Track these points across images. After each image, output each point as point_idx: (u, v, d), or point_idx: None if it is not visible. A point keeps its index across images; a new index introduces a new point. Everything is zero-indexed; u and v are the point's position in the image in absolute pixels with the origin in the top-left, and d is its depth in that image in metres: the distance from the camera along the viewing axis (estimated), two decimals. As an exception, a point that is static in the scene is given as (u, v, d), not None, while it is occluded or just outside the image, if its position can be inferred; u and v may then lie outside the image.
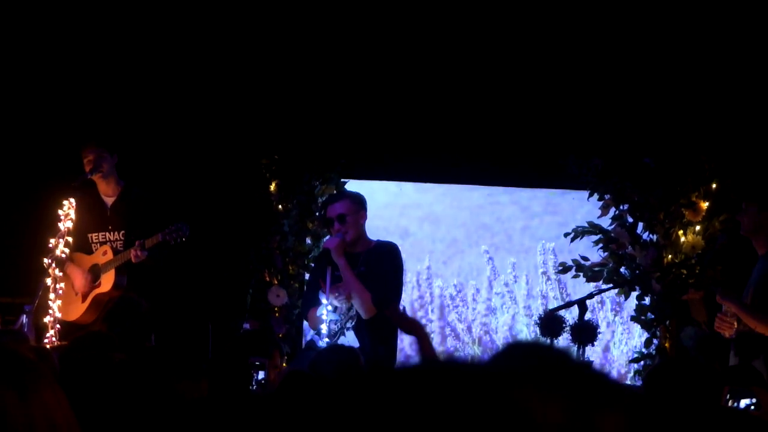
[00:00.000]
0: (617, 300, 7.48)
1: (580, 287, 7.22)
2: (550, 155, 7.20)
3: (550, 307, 6.73)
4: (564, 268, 7.20)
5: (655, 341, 7.10)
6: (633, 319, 7.20)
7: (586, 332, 5.68)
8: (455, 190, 7.85)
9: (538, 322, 6.00)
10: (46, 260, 6.10)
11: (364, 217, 5.74)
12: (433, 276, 7.77)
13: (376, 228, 6.15)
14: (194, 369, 3.67)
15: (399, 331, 5.74)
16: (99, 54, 7.52)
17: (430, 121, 7.57)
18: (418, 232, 7.82)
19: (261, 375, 5.42)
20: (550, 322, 5.77)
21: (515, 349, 1.37)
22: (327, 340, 5.35)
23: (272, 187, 7.39)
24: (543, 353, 1.33)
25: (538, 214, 7.82)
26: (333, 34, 7.49)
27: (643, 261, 7.03)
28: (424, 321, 7.42)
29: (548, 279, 7.71)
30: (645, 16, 7.30)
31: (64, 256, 6.12)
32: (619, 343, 7.59)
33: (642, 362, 7.10)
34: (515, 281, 7.75)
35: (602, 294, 6.95)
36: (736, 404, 4.09)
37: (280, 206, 7.37)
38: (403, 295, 6.18)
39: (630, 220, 7.17)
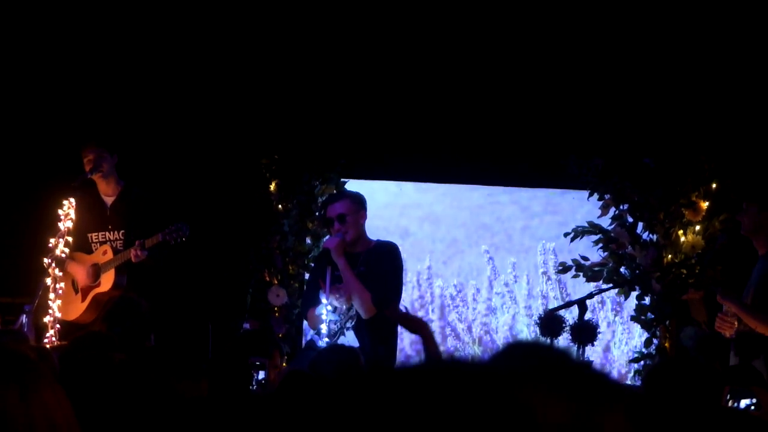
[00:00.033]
0: (617, 300, 7.47)
1: (580, 287, 7.22)
2: (550, 155, 7.20)
3: (551, 307, 6.73)
4: (564, 268, 7.20)
5: (655, 341, 7.10)
6: (633, 319, 7.20)
7: (585, 332, 5.68)
8: (455, 190, 7.85)
9: (537, 322, 6.00)
10: (46, 260, 6.10)
11: (364, 217, 5.74)
12: (433, 276, 7.77)
13: (376, 228, 6.15)
14: (194, 369, 3.67)
15: (399, 331, 5.74)
16: (99, 54, 7.52)
17: (430, 121, 7.56)
18: (418, 232, 7.82)
19: (261, 375, 5.42)
20: (550, 322, 5.76)
21: (515, 349, 1.37)
22: (327, 340, 5.35)
23: (272, 187, 7.39)
24: (543, 353, 1.33)
25: (538, 214, 7.82)
26: (333, 34, 7.49)
27: (643, 261, 7.02)
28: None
29: (548, 279, 7.71)
30: (645, 16, 7.30)
31: (64, 255, 6.12)
32: (620, 343, 7.59)
33: (642, 362, 7.10)
34: (515, 281, 7.74)
35: (602, 294, 6.95)
36: (736, 404, 4.09)
37: (280, 206, 7.37)
38: (404, 295, 6.18)
39: (630, 220, 7.17)
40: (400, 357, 6.23)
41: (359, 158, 7.48)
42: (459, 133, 7.57)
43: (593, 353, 7.20)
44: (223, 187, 7.47)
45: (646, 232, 7.16)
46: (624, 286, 7.07)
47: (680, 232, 7.04)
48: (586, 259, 7.17)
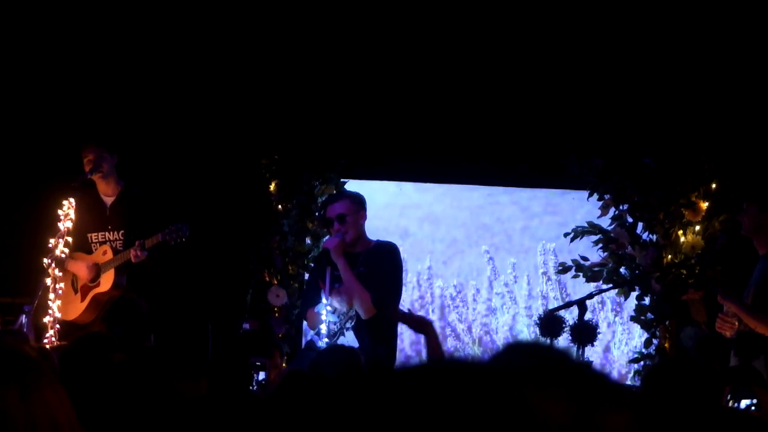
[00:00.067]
0: (618, 300, 7.48)
1: (580, 287, 7.22)
2: (550, 155, 7.20)
3: (551, 307, 6.73)
4: (564, 269, 7.21)
5: (654, 341, 7.10)
6: (633, 319, 7.20)
7: (585, 333, 5.67)
8: (455, 190, 7.85)
9: (537, 322, 6.00)
10: (45, 260, 6.10)
11: (364, 217, 5.73)
12: (433, 276, 7.77)
13: (376, 228, 6.15)
14: (194, 369, 3.67)
15: (399, 331, 5.74)
16: (99, 54, 7.52)
17: (430, 121, 7.56)
18: (418, 232, 7.82)
19: (262, 376, 5.41)
20: (550, 323, 5.76)
21: (515, 349, 1.37)
22: (326, 340, 5.35)
23: (272, 187, 7.39)
24: (543, 354, 1.33)
25: (538, 214, 7.82)
26: (332, 35, 7.49)
27: (642, 261, 7.03)
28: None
29: (548, 279, 7.71)
30: (645, 16, 7.30)
31: (63, 256, 6.12)
32: (620, 344, 7.59)
33: (642, 362, 7.10)
34: (515, 281, 7.75)
35: (602, 294, 6.95)
36: (736, 405, 4.09)
37: (279, 206, 7.37)
38: (404, 296, 6.18)
39: (630, 220, 7.17)
40: (400, 357, 6.23)
41: (359, 158, 7.48)
42: (459, 133, 7.57)
43: (593, 354, 7.20)
44: (223, 188, 7.47)
45: (646, 233, 7.17)
46: (624, 287, 7.07)
47: (680, 232, 7.04)
48: (585, 259, 7.17)
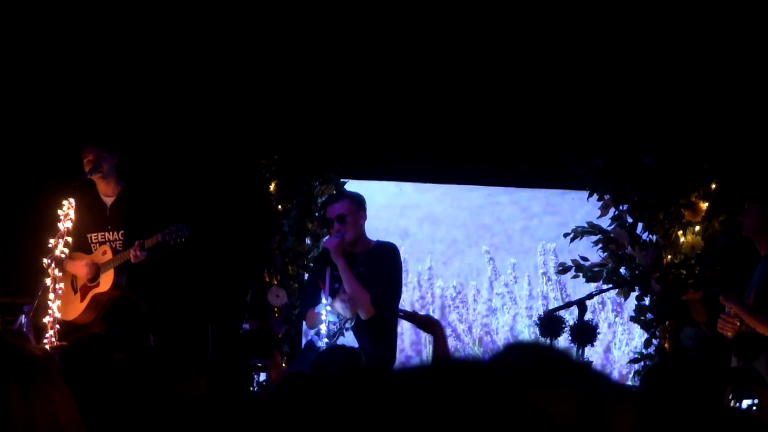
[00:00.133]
0: (618, 300, 7.48)
1: (580, 288, 7.22)
2: (550, 155, 7.20)
3: (551, 307, 6.73)
4: (564, 269, 7.21)
5: (654, 341, 7.10)
6: (632, 319, 7.20)
7: (585, 333, 5.67)
8: (455, 190, 7.85)
9: (537, 322, 6.00)
10: (45, 260, 6.09)
11: (364, 217, 5.73)
12: (433, 276, 7.77)
13: (375, 228, 6.15)
14: (194, 369, 3.67)
15: (398, 332, 5.74)
16: (99, 54, 7.52)
17: (430, 121, 7.56)
18: (418, 233, 7.82)
19: (262, 377, 5.41)
20: (550, 323, 5.76)
21: (515, 349, 1.37)
22: (326, 340, 5.35)
23: (272, 187, 7.39)
24: (543, 354, 1.33)
25: (538, 215, 7.82)
26: (332, 35, 7.49)
27: (642, 261, 7.03)
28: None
29: (548, 279, 7.71)
30: (645, 16, 7.30)
31: (63, 256, 6.12)
32: (620, 344, 7.59)
33: (641, 362, 7.10)
34: (516, 282, 7.74)
35: (602, 294, 6.94)
36: (738, 405, 4.09)
37: (279, 206, 7.37)
38: (404, 296, 6.18)
39: (630, 220, 7.17)
40: (400, 357, 6.23)
41: (359, 158, 7.48)
42: (458, 134, 7.57)
43: (594, 354, 7.20)
44: (222, 188, 7.47)
45: (646, 233, 7.17)
46: (624, 287, 7.07)
47: (680, 232, 7.04)
48: (585, 259, 7.17)
